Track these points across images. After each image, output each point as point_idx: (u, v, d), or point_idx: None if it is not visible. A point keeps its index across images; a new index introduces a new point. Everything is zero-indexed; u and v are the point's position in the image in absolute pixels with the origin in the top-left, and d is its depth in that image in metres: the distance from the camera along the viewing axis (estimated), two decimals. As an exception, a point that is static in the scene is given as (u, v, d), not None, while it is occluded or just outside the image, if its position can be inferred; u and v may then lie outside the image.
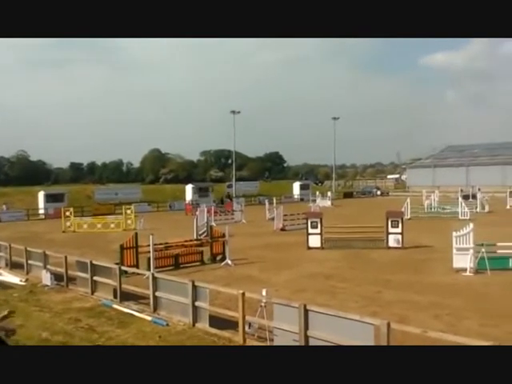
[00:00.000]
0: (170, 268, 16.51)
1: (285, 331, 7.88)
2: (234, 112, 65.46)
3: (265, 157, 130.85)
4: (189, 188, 59.19)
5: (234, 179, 68.76)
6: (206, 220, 26.56)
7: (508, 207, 40.84)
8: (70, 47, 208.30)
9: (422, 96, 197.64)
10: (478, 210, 36.49)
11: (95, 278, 13.02)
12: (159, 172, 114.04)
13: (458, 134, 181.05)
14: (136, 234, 16.52)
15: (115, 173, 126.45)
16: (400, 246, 19.89)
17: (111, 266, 13.05)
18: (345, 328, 6.97)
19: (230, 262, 17.38)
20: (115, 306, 11.73)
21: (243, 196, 58.72)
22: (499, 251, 15.60)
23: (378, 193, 72.92)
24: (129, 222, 31.82)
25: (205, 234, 23.17)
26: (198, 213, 27.67)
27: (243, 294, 8.69)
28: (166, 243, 17.13)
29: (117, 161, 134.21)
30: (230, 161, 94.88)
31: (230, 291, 10.04)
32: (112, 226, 31.39)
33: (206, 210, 29.24)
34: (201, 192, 58.10)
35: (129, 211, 32.65)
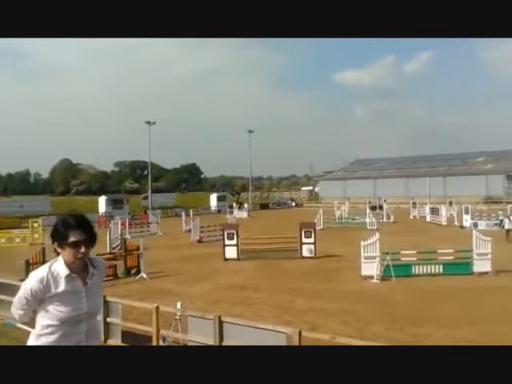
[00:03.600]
0: (81, 283, 15.84)
1: (200, 344, 7.86)
2: (149, 123, 64.48)
3: (181, 168, 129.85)
4: (102, 200, 57.33)
5: (149, 191, 67.54)
6: (119, 233, 25.83)
7: (411, 217, 43.62)
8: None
9: (334, 111, 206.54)
10: (384, 220, 38.68)
11: (-3, 296, 12.18)
12: (70, 183, 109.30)
13: (367, 148, 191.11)
14: (43, 248, 15.71)
15: (22, 184, 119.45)
16: (313, 255, 20.57)
17: (16, 282, 12.27)
18: (259, 337, 7.10)
19: (144, 275, 17.02)
20: (20, 326, 11.04)
21: (159, 208, 57.80)
22: (403, 259, 16.66)
23: (293, 204, 74.96)
24: (36, 235, 30.14)
25: (119, 247, 22.52)
26: (111, 225, 26.86)
27: (157, 307, 8.56)
28: (77, 257, 16.43)
29: (23, 171, 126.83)
30: (145, 172, 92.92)
31: (144, 305, 9.84)
32: (17, 240, 29.53)
33: (119, 222, 28.46)
34: (115, 204, 56.44)
35: (36, 224, 30.96)
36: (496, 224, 28.97)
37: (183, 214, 37.73)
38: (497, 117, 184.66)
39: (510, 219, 25.81)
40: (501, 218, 28.74)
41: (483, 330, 10.35)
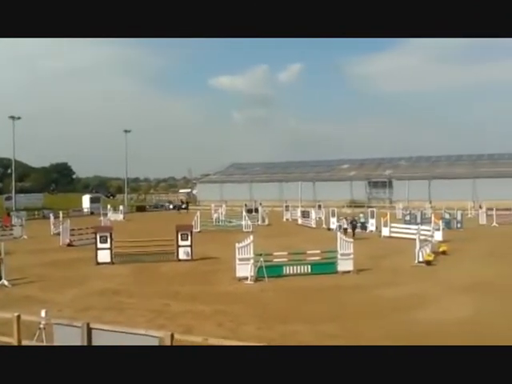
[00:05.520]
0: None
1: (67, 353, 7.50)
2: (13, 117, 59.58)
3: (51, 167, 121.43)
4: (-44, 200, 51.69)
5: (13, 191, 62.30)
6: (-23, 237, 23.54)
7: (284, 220, 45.58)
8: None
9: (212, 115, 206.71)
10: (259, 222, 39.91)
11: None
12: None
13: (243, 152, 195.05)
14: None
15: None
16: (189, 258, 20.61)
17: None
18: (130, 343, 6.97)
19: (6, 282, 15.77)
20: None
21: (25, 209, 53.67)
22: (275, 260, 17.42)
23: (171, 207, 74.14)
24: None
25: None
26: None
27: (18, 316, 7.98)
28: None
29: None
30: (9, 170, 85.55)
31: (4, 315, 9.11)
32: None
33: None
34: (-29, 205, 51.19)
35: None
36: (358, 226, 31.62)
37: (51, 216, 35.45)
38: (358, 127, 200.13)
39: (346, 220, 30.68)
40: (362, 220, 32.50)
41: (345, 324, 11.26)
